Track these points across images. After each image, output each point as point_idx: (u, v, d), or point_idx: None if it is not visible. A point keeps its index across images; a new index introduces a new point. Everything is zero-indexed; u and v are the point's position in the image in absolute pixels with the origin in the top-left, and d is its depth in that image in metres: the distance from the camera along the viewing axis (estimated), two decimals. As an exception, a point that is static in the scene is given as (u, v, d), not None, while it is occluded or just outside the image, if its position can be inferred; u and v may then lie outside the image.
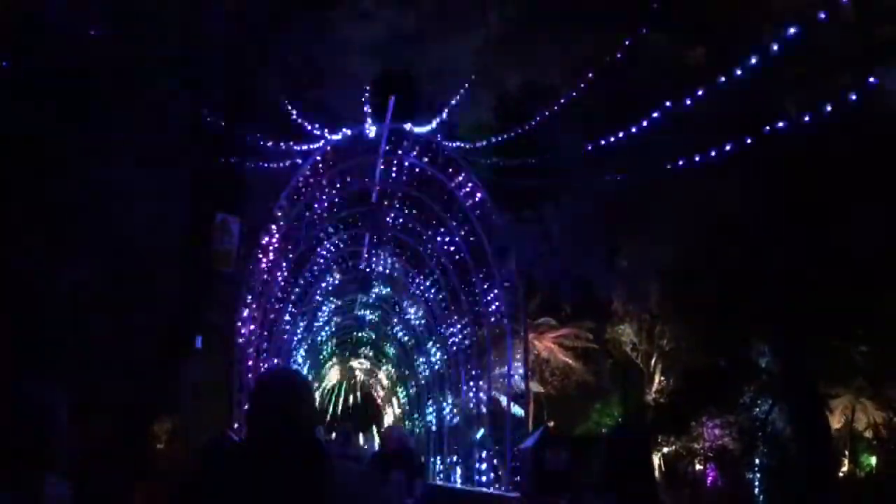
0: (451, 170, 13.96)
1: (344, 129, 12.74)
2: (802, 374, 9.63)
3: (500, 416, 17.54)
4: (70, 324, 11.32)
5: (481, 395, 17.09)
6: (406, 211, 15.54)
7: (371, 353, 30.38)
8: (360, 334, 26.15)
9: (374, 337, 26.58)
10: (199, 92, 10.75)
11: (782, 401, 11.24)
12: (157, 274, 10.74)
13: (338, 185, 13.69)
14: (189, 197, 10.60)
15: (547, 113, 12.24)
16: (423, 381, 23.92)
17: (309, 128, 11.57)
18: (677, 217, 15.12)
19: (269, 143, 11.14)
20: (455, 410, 19.49)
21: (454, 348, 18.43)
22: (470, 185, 13.46)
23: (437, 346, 20.24)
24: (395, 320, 23.27)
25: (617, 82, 13.09)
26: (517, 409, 19.73)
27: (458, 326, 17.97)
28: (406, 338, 23.82)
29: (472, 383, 17.54)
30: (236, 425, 10.49)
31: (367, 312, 23.14)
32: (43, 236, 10.42)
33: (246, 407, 9.22)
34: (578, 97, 15.46)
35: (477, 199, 13.54)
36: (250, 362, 12.94)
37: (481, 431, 17.82)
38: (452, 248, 15.38)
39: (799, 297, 14.62)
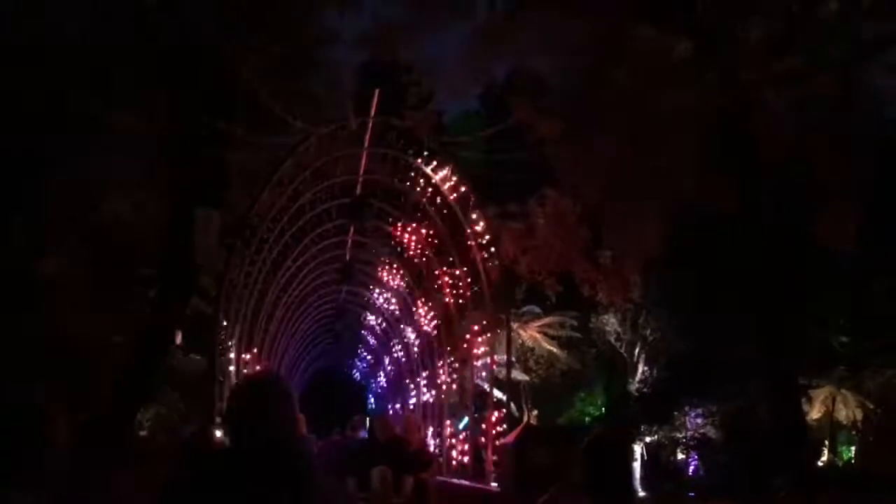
0: (435, 163, 13.91)
1: (328, 121, 12.69)
2: (778, 364, 9.71)
3: (483, 406, 17.54)
4: (49, 314, 11.24)
5: (465, 384, 17.14)
6: (389, 203, 15.53)
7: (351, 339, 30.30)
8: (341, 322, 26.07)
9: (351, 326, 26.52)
10: (178, 80, 10.63)
11: (758, 390, 11.40)
12: (137, 267, 10.69)
13: (321, 178, 13.66)
14: (169, 190, 10.51)
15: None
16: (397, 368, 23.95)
17: (292, 120, 11.47)
18: (660, 208, 15.17)
19: (251, 136, 11.06)
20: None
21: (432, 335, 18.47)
22: (454, 178, 13.42)
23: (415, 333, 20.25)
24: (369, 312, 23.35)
25: (603, 76, 13.07)
26: (499, 395, 19.69)
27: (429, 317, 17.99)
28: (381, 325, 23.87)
29: (454, 373, 17.58)
30: (218, 419, 10.44)
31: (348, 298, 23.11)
32: (22, 226, 10.31)
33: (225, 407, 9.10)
34: (563, 90, 15.43)
35: (461, 192, 13.51)
36: (232, 355, 12.91)
37: (465, 421, 17.84)
38: (437, 241, 15.37)
39: (779, 288, 14.74)
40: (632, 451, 21.98)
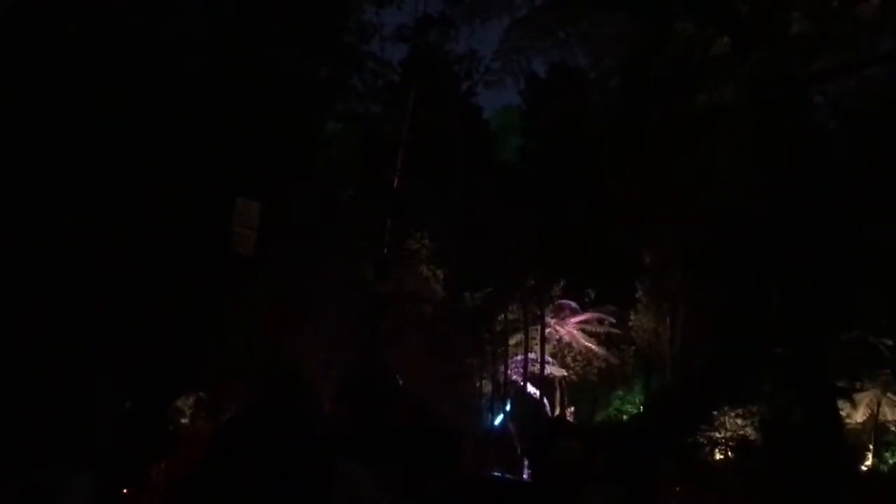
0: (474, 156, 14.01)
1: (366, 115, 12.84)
2: (815, 366, 9.57)
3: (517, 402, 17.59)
4: (100, 301, 11.48)
5: (500, 378, 17.21)
6: (429, 198, 15.65)
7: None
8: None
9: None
10: (218, 71, 10.82)
11: (793, 392, 11.24)
12: (177, 254, 10.90)
13: (360, 170, 13.82)
14: (208, 178, 10.71)
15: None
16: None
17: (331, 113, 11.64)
18: (699, 207, 15.03)
19: (290, 128, 11.23)
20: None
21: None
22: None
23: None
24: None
25: (643, 71, 12.99)
26: (534, 390, 19.74)
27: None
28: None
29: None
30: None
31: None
32: (82, 215, 10.54)
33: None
34: (605, 84, 15.32)
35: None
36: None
37: (500, 417, 17.92)
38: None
39: (821, 289, 14.50)
40: (663, 448, 21.75)
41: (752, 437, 24.32)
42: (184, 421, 21.10)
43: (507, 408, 23.25)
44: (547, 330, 25.25)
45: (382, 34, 13.46)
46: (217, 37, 10.35)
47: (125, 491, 12.04)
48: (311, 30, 11.51)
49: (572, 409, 27.74)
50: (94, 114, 9.79)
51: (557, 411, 25.99)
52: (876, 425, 23.93)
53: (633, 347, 28.04)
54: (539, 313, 23.38)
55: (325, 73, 12.24)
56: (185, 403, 20.59)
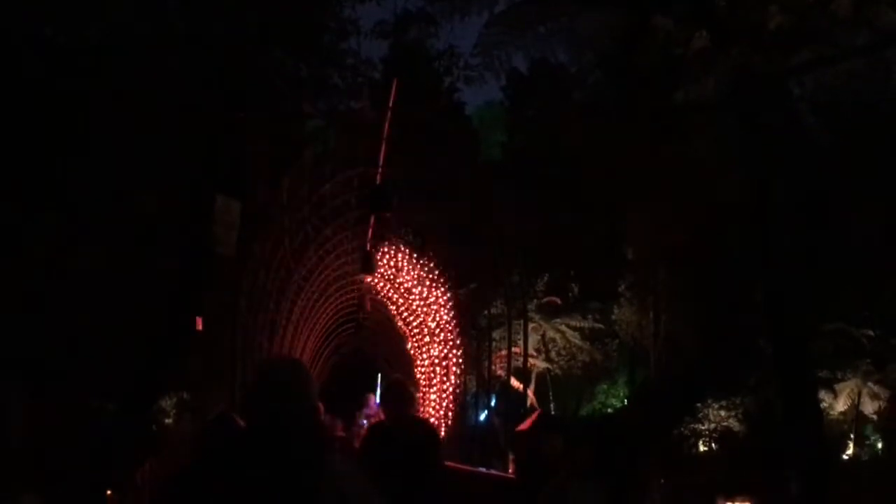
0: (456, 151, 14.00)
1: (348, 111, 12.81)
2: (798, 358, 9.66)
3: (502, 397, 17.63)
4: (81, 300, 11.40)
5: (484, 373, 17.23)
6: (410, 191, 15.58)
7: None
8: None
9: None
10: (198, 68, 10.76)
11: (776, 383, 11.34)
12: (158, 253, 10.85)
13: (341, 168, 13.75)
14: (189, 177, 10.66)
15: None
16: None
17: (313, 110, 11.59)
18: (680, 202, 15.13)
19: (272, 125, 11.18)
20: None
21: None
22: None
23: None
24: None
25: (622, 67, 13.04)
26: (518, 385, 19.77)
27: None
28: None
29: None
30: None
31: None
32: (60, 214, 10.44)
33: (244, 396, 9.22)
34: (585, 80, 15.43)
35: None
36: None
37: (484, 413, 17.95)
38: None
39: (803, 280, 14.63)
40: (648, 440, 21.89)
41: (736, 429, 24.54)
42: (167, 421, 21.00)
43: (492, 403, 23.32)
44: (531, 325, 25.30)
45: (362, 30, 13.43)
46: (198, 35, 10.29)
47: (108, 493, 11.96)
48: (292, 27, 11.47)
49: (552, 403, 27.83)
50: (70, 114, 9.71)
51: (529, 402, 25.95)
52: (857, 415, 24.23)
53: (617, 341, 28.18)
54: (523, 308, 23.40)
55: (306, 71, 12.20)
56: (169, 404, 20.50)
